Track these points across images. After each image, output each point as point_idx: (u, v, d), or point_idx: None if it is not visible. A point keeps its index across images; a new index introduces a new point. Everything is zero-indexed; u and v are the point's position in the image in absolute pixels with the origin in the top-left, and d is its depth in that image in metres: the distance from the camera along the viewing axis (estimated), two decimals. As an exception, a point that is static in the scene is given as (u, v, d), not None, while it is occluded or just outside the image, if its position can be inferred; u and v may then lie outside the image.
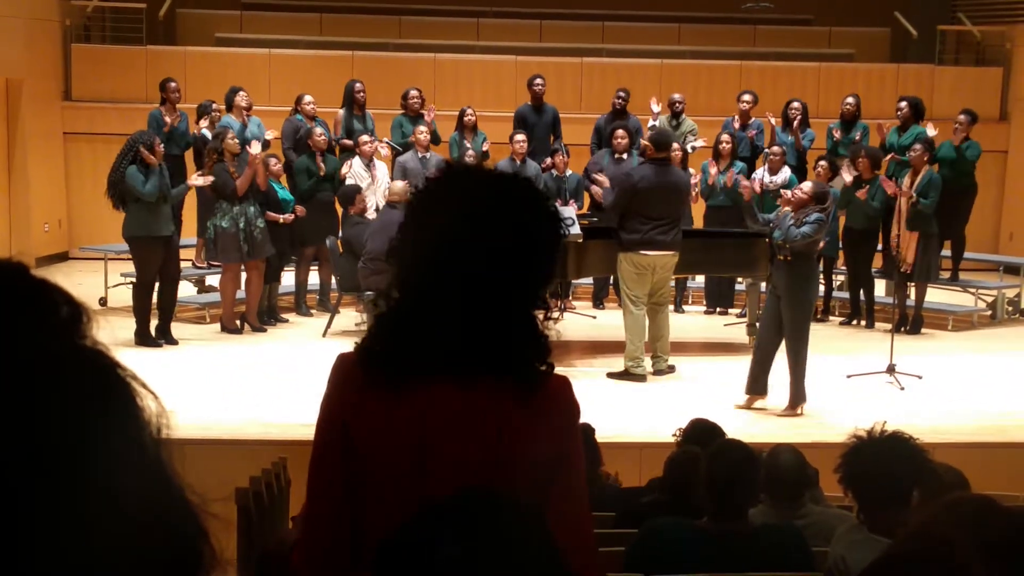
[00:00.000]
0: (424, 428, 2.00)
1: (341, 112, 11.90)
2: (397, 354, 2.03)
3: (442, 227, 2.03)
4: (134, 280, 9.85)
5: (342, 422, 2.06)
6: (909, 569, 1.38)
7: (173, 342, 9.77)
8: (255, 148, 10.03)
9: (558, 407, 2.08)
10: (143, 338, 9.55)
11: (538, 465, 2.03)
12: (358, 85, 11.85)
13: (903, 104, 11.74)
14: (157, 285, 9.67)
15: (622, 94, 12.19)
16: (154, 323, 9.74)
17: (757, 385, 8.14)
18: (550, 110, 12.30)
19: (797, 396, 8.03)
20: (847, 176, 10.84)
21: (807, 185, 8.15)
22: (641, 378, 8.93)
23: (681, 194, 9.05)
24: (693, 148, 11.78)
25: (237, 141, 10.14)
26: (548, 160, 11.76)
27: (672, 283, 11.35)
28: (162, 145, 9.71)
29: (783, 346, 8.00)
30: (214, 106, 11.60)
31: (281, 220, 10.45)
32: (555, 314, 2.13)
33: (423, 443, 2.00)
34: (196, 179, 9.86)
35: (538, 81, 12.26)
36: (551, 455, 2.05)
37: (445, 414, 2.00)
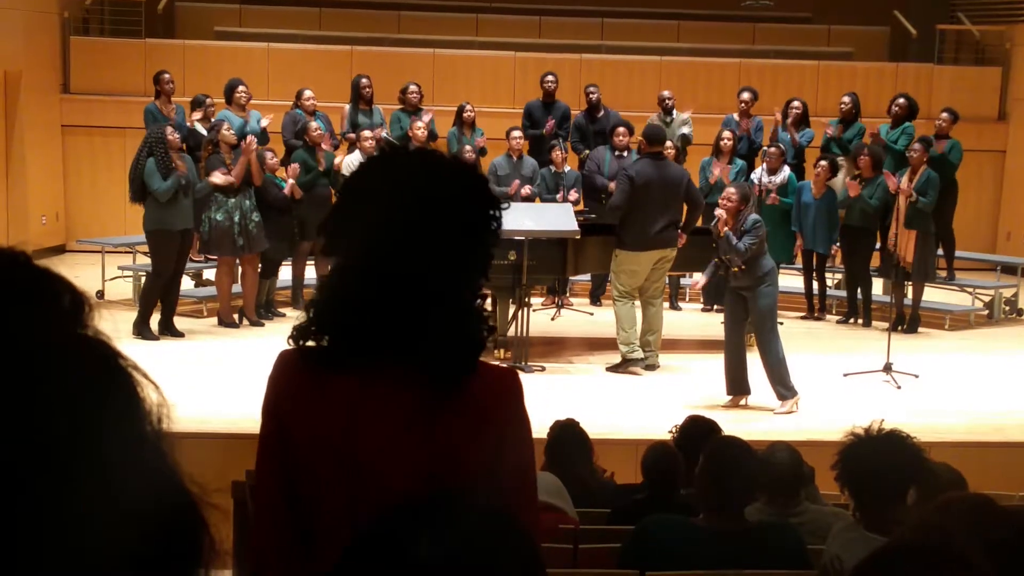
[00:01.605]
0: (349, 421, 1.96)
1: (347, 107, 11.90)
2: (327, 345, 1.99)
3: (368, 213, 1.99)
4: (149, 271, 9.85)
5: (279, 416, 2.02)
6: (904, 565, 1.38)
7: (179, 334, 9.77)
8: (252, 144, 9.99)
9: (488, 403, 2.00)
10: (141, 329, 9.53)
11: (466, 453, 1.97)
12: (364, 80, 11.82)
13: (901, 100, 11.70)
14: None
15: (591, 89, 12.19)
16: (156, 317, 9.73)
17: (738, 385, 8.15)
18: (560, 107, 12.29)
19: (785, 391, 8.02)
20: (847, 176, 10.81)
21: (731, 190, 8.04)
22: (639, 361, 8.92)
23: (679, 188, 9.04)
24: (686, 135, 11.77)
25: (233, 133, 10.11)
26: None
27: (666, 280, 11.35)
28: (176, 134, 9.66)
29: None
30: (208, 100, 11.56)
31: (287, 189, 10.33)
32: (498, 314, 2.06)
33: (349, 436, 1.95)
34: (217, 177, 9.75)
35: (549, 78, 12.28)
36: (485, 447, 1.98)
37: (371, 408, 1.96)
